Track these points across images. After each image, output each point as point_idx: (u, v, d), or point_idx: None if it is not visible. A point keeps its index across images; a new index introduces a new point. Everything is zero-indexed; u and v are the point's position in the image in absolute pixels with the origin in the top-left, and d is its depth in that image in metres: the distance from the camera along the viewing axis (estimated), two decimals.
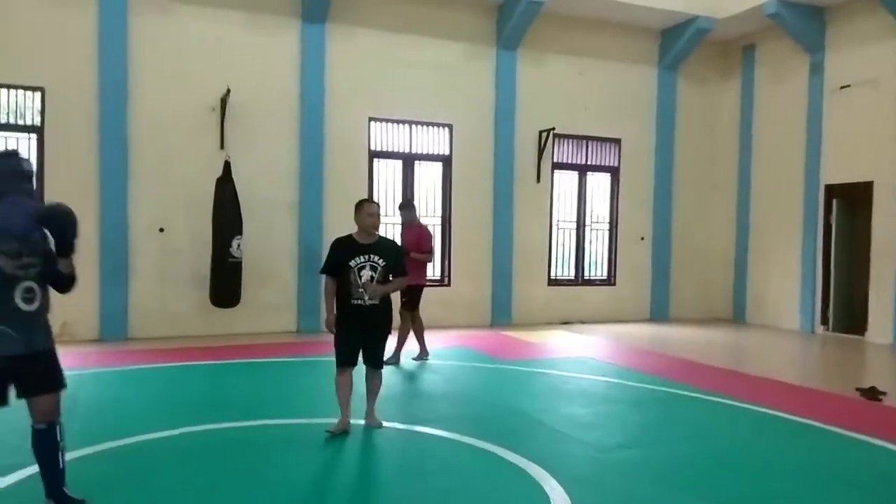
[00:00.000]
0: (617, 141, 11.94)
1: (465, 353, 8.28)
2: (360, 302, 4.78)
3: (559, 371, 7.33)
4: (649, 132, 12.06)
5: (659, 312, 12.08)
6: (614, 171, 12.02)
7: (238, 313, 9.15)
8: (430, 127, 10.69)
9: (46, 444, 3.26)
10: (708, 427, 5.42)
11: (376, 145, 10.37)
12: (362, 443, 4.76)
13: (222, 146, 9.21)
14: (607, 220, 12.08)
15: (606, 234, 12.09)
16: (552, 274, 11.61)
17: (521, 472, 4.13)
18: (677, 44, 11.71)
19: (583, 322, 11.38)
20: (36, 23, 8.45)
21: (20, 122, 8.61)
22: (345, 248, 4.87)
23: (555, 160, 11.49)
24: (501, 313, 10.92)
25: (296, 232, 9.75)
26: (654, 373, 7.30)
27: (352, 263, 4.79)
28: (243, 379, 6.78)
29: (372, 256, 4.82)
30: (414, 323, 7.62)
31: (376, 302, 4.83)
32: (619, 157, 11.99)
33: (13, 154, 3.29)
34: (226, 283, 8.83)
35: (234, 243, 8.79)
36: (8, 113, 8.60)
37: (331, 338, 4.94)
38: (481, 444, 4.66)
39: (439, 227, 10.77)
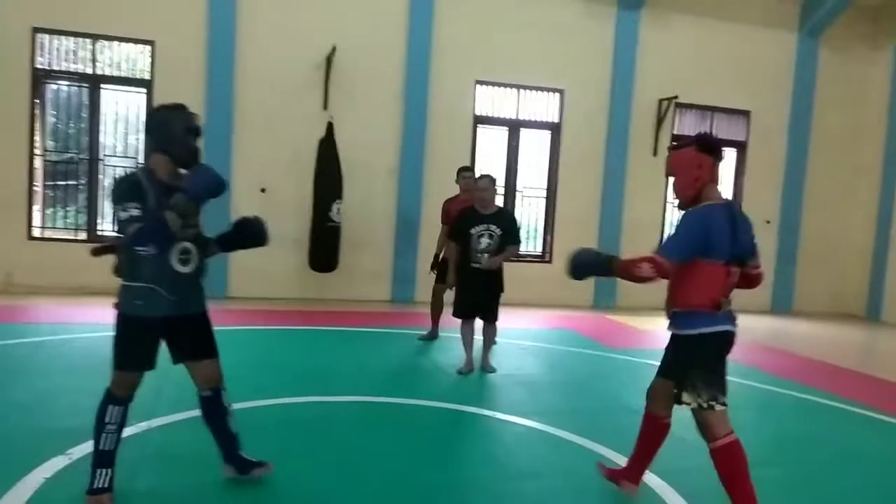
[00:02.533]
0: (745, 113, 10.88)
1: (568, 337, 7.73)
2: (478, 265, 5.46)
3: None
4: (783, 105, 10.90)
5: (781, 304, 11.02)
6: (741, 147, 10.98)
7: (334, 279, 8.97)
8: (540, 92, 10.05)
9: (215, 411, 3.21)
10: (856, 445, 4.66)
11: (481, 110, 9.86)
12: (465, 431, 4.37)
13: (325, 106, 8.96)
14: (730, 199, 11.07)
15: None
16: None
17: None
18: (821, 8, 10.46)
19: None
20: None
21: (131, 75, 8.67)
22: (467, 217, 5.56)
23: (675, 132, 10.58)
24: (605, 295, 10.25)
25: (395, 198, 9.44)
26: (780, 373, 6.51)
27: (472, 231, 5.46)
28: (338, 348, 6.55)
29: (490, 226, 5.44)
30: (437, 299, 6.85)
31: (492, 266, 5.47)
32: (748, 131, 10.94)
33: (181, 107, 3.01)
34: (324, 248, 8.66)
35: (334, 207, 8.56)
36: (120, 66, 8.68)
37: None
38: (591, 444, 4.15)
39: (543, 201, 10.17)
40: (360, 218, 9.16)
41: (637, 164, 10.31)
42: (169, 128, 2.92)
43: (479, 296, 5.57)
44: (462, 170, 6.92)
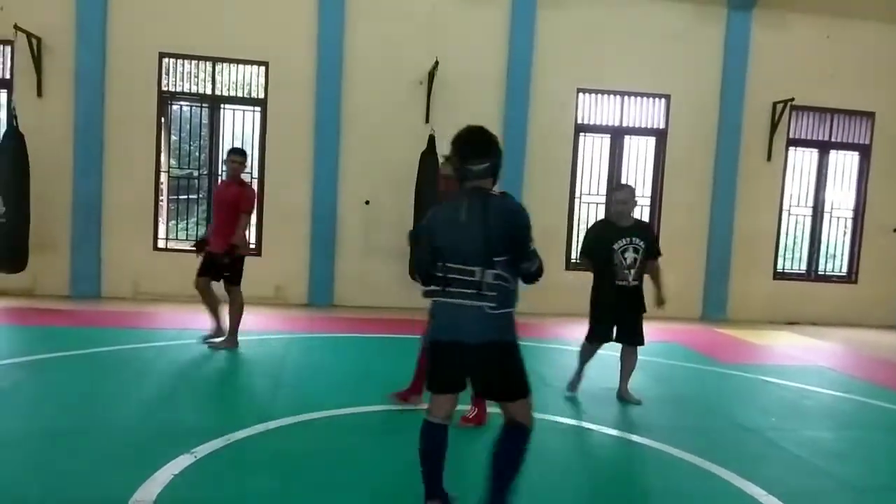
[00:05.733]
0: (869, 115, 10.15)
1: (675, 350, 7.45)
2: (624, 283, 4.98)
3: (790, 381, 6.28)
4: None
5: None
6: (864, 150, 10.25)
7: None
8: (644, 98, 9.79)
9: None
10: None
11: (583, 118, 9.72)
12: (572, 446, 4.29)
13: (427, 120, 9.11)
14: (851, 206, 10.36)
15: (849, 222, 10.39)
16: (779, 266, 10.21)
17: None
18: None
19: (814, 324, 9.90)
20: None
21: (247, 95, 9.17)
22: (606, 232, 5.07)
23: (790, 136, 10.02)
24: (715, 307, 9.81)
25: None
26: None
27: (615, 246, 4.96)
28: None
29: (633, 239, 4.98)
30: (234, 303, 6.21)
31: (638, 283, 5.02)
32: (871, 133, 10.20)
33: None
34: None
35: None
36: (237, 87, 9.21)
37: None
38: (703, 463, 3.96)
39: (647, 208, 9.87)
40: None
41: (750, 170, 9.83)
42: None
43: (625, 317, 5.05)
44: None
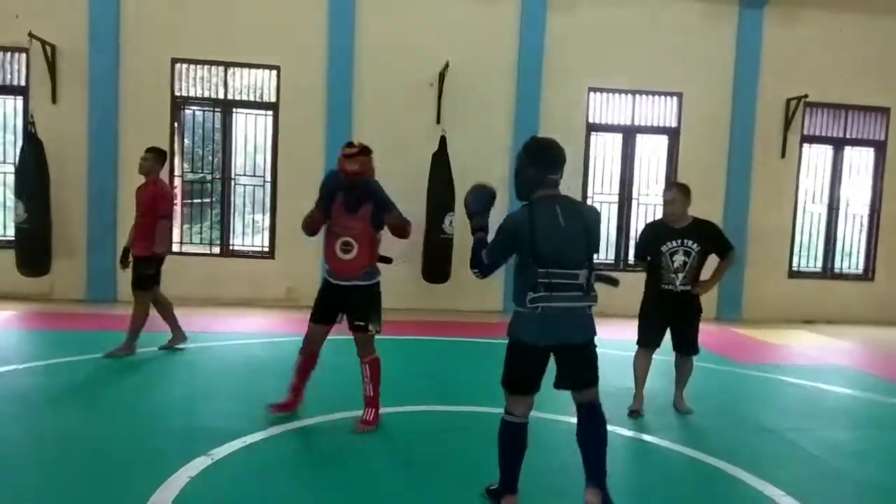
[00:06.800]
0: (884, 111, 10.05)
1: None
2: (670, 287, 4.73)
3: (808, 381, 6.23)
4: None
5: None
6: (879, 146, 10.15)
7: (447, 289, 9.08)
8: (656, 96, 9.75)
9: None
10: None
11: (594, 117, 9.69)
12: None
13: (438, 121, 9.12)
14: (867, 203, 10.25)
15: (865, 219, 10.28)
16: (794, 264, 10.13)
17: None
18: None
19: (830, 322, 9.80)
20: (272, 3, 8.93)
21: (259, 99, 9.22)
22: (655, 233, 4.85)
23: (804, 132, 9.93)
24: (729, 307, 9.73)
25: (507, 210, 9.39)
26: None
27: (663, 248, 4.72)
28: (450, 358, 6.62)
29: (685, 241, 4.70)
30: (159, 304, 6.13)
31: (688, 287, 4.74)
32: (887, 129, 10.10)
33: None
34: (437, 260, 8.84)
35: (447, 220, 8.74)
36: (249, 91, 9.26)
37: None
38: (720, 464, 3.94)
39: (660, 207, 9.80)
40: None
41: (764, 167, 9.75)
42: None
43: (674, 324, 4.85)
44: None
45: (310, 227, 4.28)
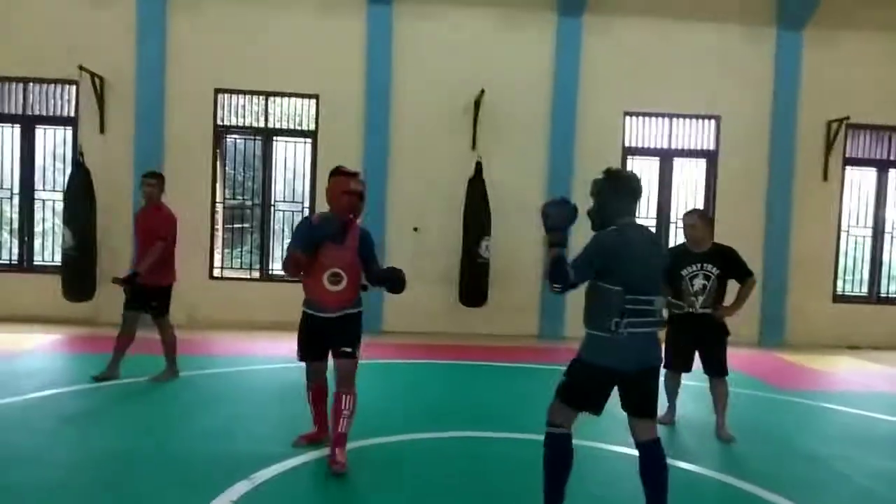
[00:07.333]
0: None
1: (732, 376, 7.18)
2: (690, 310, 4.84)
3: (855, 409, 6.04)
4: None
5: None
6: None
7: (483, 313, 9.07)
8: (693, 120, 9.69)
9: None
10: None
11: (631, 141, 9.67)
12: (622, 472, 4.20)
13: (474, 147, 9.20)
14: None
15: None
16: (838, 289, 9.89)
17: None
18: None
19: (876, 348, 9.52)
20: (310, 33, 9.16)
21: (298, 127, 9.42)
22: (676, 257, 4.87)
23: (847, 155, 9.75)
24: (772, 332, 9.53)
25: (542, 234, 9.40)
26: None
27: (683, 272, 4.85)
28: (487, 383, 6.58)
29: (705, 265, 4.83)
30: (126, 329, 5.96)
31: (708, 310, 4.84)
32: None
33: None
34: (473, 283, 8.86)
35: (483, 244, 8.78)
36: (289, 120, 9.47)
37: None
38: (765, 493, 3.84)
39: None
40: (508, 254, 9.22)
41: (805, 191, 9.59)
42: None
43: (700, 346, 4.97)
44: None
45: (297, 270, 4.08)
